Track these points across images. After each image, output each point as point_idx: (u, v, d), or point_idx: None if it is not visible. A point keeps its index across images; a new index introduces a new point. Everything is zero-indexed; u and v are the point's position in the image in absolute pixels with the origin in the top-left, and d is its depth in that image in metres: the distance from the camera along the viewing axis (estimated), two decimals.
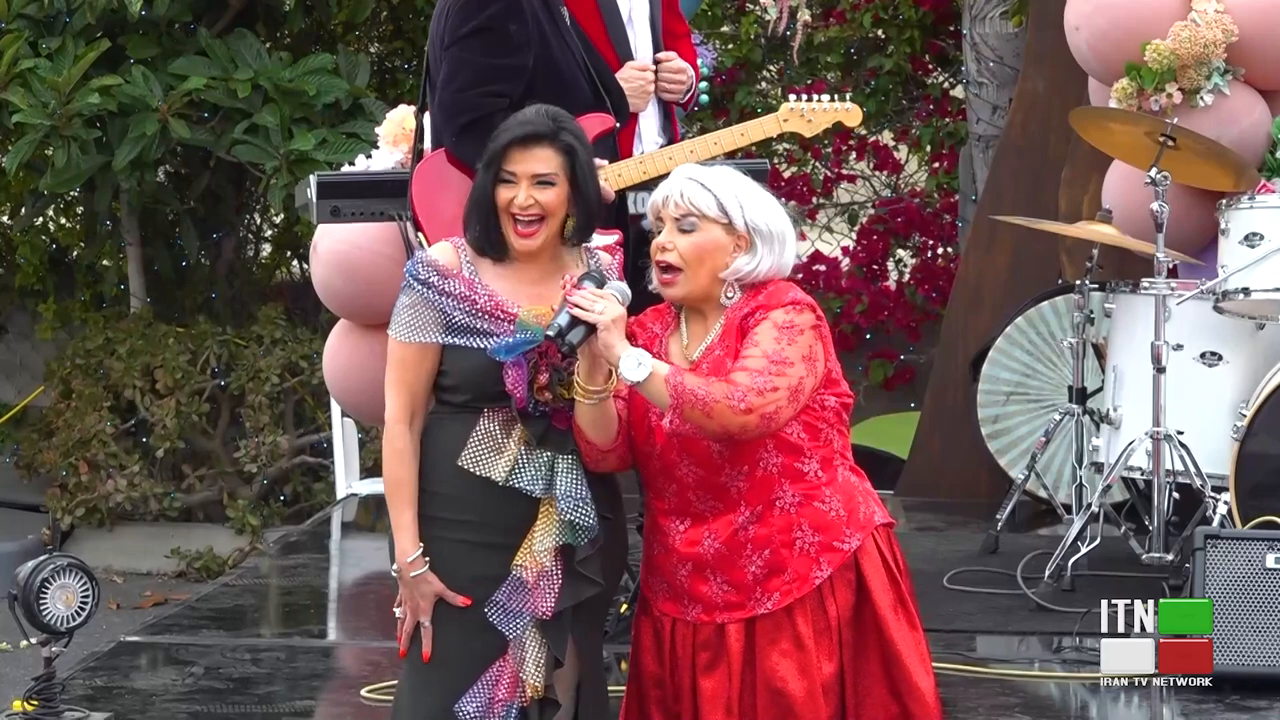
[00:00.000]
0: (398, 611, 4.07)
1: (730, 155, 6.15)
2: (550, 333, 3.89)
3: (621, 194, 5.34)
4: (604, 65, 5.40)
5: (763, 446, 3.97)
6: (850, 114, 5.56)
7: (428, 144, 5.46)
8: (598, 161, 5.21)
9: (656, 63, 5.63)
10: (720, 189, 4.05)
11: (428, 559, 4.01)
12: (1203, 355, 6.52)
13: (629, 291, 3.99)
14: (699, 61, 6.18)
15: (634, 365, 3.87)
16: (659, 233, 4.08)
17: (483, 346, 3.99)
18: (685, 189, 4.04)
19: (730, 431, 3.88)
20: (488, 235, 4.07)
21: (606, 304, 3.90)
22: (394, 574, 4.05)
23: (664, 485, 4.05)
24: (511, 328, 3.99)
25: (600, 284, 3.95)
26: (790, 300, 4.01)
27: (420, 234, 5.28)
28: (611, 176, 5.27)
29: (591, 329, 3.88)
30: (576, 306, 3.89)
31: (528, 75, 5.14)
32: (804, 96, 5.59)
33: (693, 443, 3.98)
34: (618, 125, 5.36)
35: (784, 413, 3.91)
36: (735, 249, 4.04)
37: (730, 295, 4.06)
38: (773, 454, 3.99)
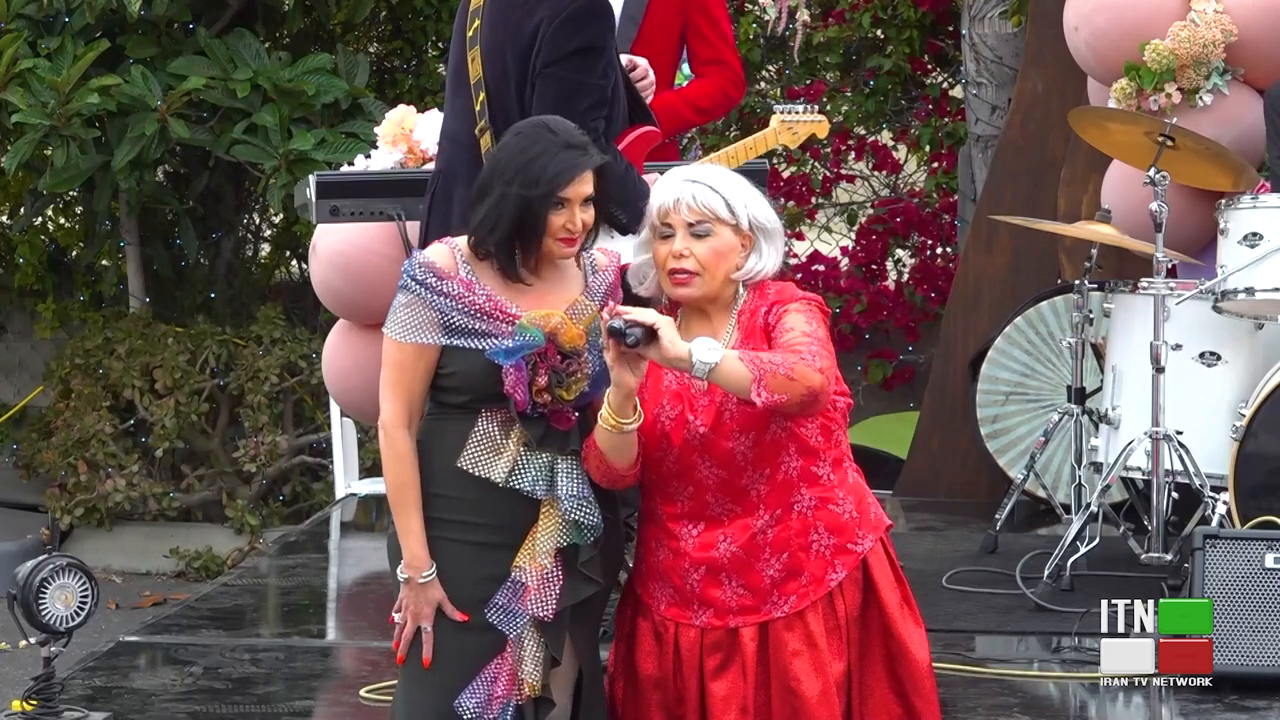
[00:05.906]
0: (396, 617, 4.06)
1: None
2: (614, 325, 3.85)
3: None
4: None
5: (784, 449, 3.98)
6: (819, 125, 5.60)
7: (433, 147, 5.43)
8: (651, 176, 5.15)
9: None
10: (726, 190, 4.05)
11: (434, 564, 4.01)
12: (1202, 355, 6.51)
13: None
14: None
15: (706, 349, 3.83)
16: (663, 237, 4.06)
17: (482, 347, 3.98)
18: (696, 193, 4.03)
19: (814, 390, 3.84)
20: (523, 254, 3.99)
21: (652, 313, 3.87)
22: (400, 577, 4.02)
23: (678, 488, 4.05)
24: (510, 329, 3.99)
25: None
26: (803, 296, 4.04)
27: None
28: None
29: (650, 333, 3.84)
30: (627, 316, 3.85)
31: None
32: (787, 107, 5.63)
33: (715, 444, 3.98)
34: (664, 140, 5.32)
35: (829, 388, 3.91)
36: (742, 249, 4.05)
37: (739, 295, 4.07)
38: (794, 457, 4.00)
